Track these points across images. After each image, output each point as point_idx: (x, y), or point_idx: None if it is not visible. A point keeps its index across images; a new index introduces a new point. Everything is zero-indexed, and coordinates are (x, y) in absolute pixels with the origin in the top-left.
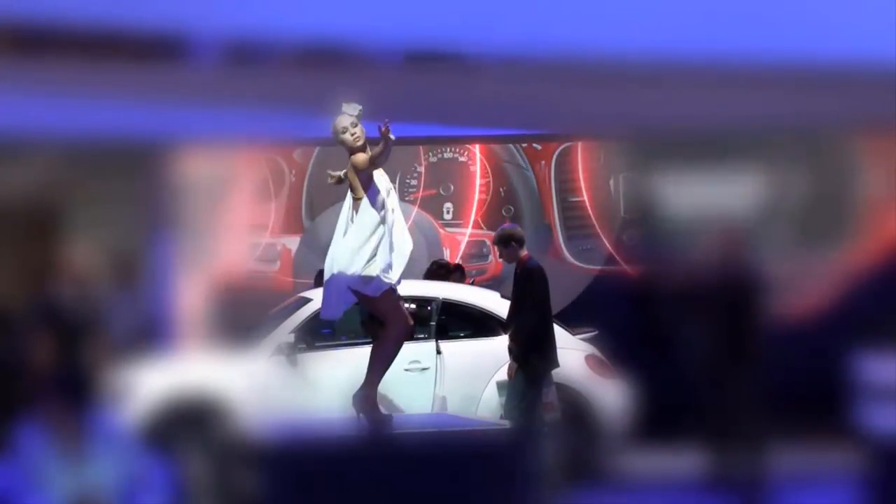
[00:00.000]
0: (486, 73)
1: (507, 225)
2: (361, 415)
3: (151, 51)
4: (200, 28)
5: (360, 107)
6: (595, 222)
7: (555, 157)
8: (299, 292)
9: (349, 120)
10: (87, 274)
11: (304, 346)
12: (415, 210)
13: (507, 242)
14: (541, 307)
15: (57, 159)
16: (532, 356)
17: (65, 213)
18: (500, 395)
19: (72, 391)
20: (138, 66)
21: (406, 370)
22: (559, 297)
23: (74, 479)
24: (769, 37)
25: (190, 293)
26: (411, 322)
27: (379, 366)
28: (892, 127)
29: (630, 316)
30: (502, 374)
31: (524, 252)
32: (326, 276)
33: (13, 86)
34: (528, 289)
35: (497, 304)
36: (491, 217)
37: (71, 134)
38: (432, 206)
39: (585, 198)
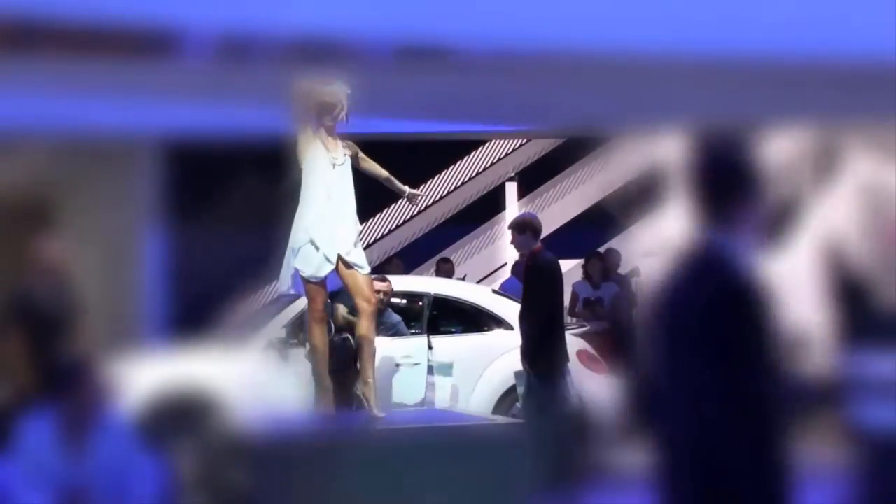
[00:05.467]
0: (479, 69)
1: (525, 213)
2: (363, 402)
3: (143, 46)
4: (192, 23)
5: (349, 91)
6: None
7: None
8: None
9: (335, 97)
10: (73, 268)
11: (295, 341)
12: None
13: (522, 230)
14: (549, 302)
15: (47, 154)
16: (541, 354)
17: (55, 207)
18: (518, 384)
19: (82, 382)
20: (130, 61)
21: (397, 365)
22: None
23: (73, 471)
24: (769, 33)
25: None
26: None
27: (372, 352)
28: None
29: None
30: (494, 370)
31: (537, 244)
32: (309, 245)
33: (5, 80)
34: (537, 283)
35: (488, 300)
36: None
37: (61, 129)
38: None
39: None
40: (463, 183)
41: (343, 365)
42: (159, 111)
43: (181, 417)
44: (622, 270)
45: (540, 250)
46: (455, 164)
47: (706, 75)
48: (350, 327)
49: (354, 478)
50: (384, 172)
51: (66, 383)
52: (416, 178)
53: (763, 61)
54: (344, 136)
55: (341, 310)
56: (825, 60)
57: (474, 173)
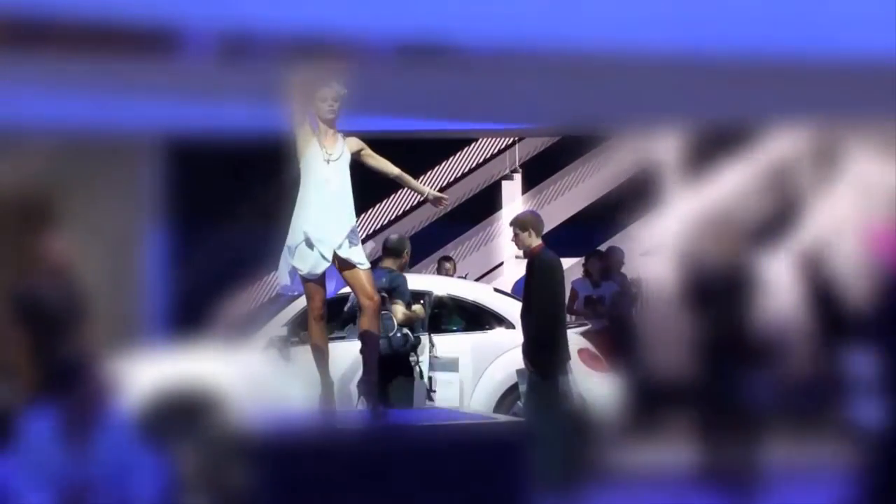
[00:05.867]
0: (480, 67)
1: (527, 210)
2: (365, 400)
3: (145, 43)
4: (194, 20)
5: (345, 91)
6: None
7: None
8: None
9: (332, 94)
10: (76, 265)
11: (296, 339)
12: None
13: (523, 227)
14: (551, 300)
15: (48, 153)
16: (542, 352)
17: (58, 205)
18: (520, 382)
19: (84, 381)
20: (132, 59)
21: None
22: None
23: (75, 469)
24: (766, 31)
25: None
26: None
27: (376, 348)
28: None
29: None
30: (496, 368)
31: (538, 242)
32: (304, 243)
33: (7, 78)
34: (538, 281)
35: (490, 298)
36: None
37: (64, 126)
38: None
39: None
40: (462, 175)
41: (404, 360)
42: (161, 109)
43: (182, 415)
44: (626, 269)
45: (541, 248)
46: (452, 158)
47: (706, 75)
48: (410, 324)
49: (355, 476)
50: (395, 170)
51: (68, 381)
52: (411, 173)
53: (762, 60)
54: (349, 133)
55: (399, 306)
56: (825, 60)
57: (474, 165)
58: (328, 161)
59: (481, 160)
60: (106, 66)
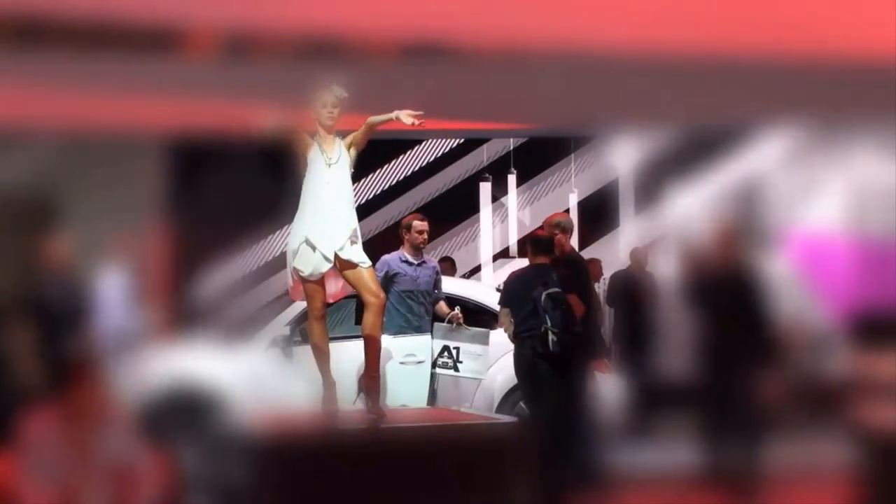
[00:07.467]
0: (483, 67)
1: (561, 213)
2: (366, 397)
3: (147, 42)
4: (196, 20)
5: (346, 95)
6: None
7: None
8: None
9: (332, 99)
10: (78, 265)
11: (298, 338)
12: None
13: (565, 230)
14: (585, 299)
15: (52, 151)
16: (577, 348)
17: (58, 204)
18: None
19: (86, 379)
20: (134, 58)
21: (401, 363)
22: None
23: (76, 468)
24: (772, 32)
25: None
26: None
27: (378, 347)
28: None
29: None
30: (497, 368)
31: (568, 244)
32: (306, 245)
33: (10, 76)
34: (573, 279)
35: (491, 298)
36: None
37: (64, 126)
38: None
39: None
40: (423, 171)
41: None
42: (164, 109)
43: (184, 415)
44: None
45: (572, 248)
46: (410, 153)
47: (707, 73)
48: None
49: (355, 476)
50: (369, 122)
51: (70, 380)
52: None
53: (761, 60)
54: (341, 132)
55: (576, 298)
56: (823, 60)
57: (430, 160)
58: (329, 164)
59: (437, 156)
60: (107, 65)
